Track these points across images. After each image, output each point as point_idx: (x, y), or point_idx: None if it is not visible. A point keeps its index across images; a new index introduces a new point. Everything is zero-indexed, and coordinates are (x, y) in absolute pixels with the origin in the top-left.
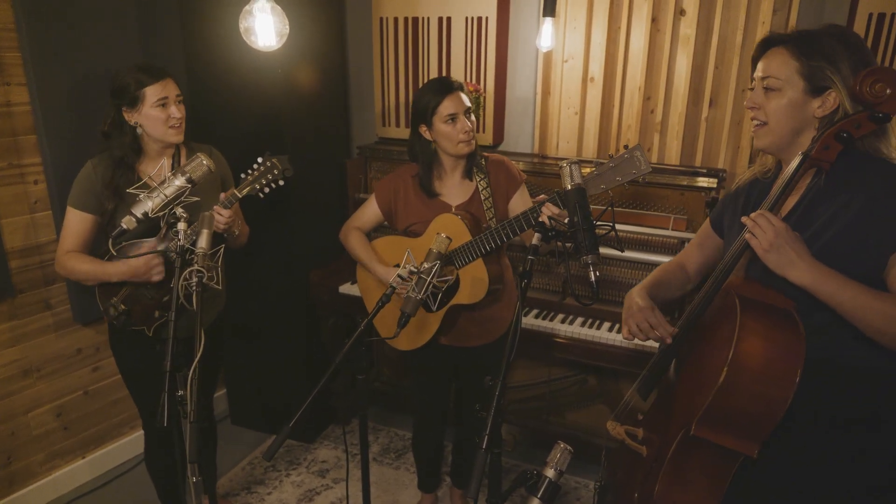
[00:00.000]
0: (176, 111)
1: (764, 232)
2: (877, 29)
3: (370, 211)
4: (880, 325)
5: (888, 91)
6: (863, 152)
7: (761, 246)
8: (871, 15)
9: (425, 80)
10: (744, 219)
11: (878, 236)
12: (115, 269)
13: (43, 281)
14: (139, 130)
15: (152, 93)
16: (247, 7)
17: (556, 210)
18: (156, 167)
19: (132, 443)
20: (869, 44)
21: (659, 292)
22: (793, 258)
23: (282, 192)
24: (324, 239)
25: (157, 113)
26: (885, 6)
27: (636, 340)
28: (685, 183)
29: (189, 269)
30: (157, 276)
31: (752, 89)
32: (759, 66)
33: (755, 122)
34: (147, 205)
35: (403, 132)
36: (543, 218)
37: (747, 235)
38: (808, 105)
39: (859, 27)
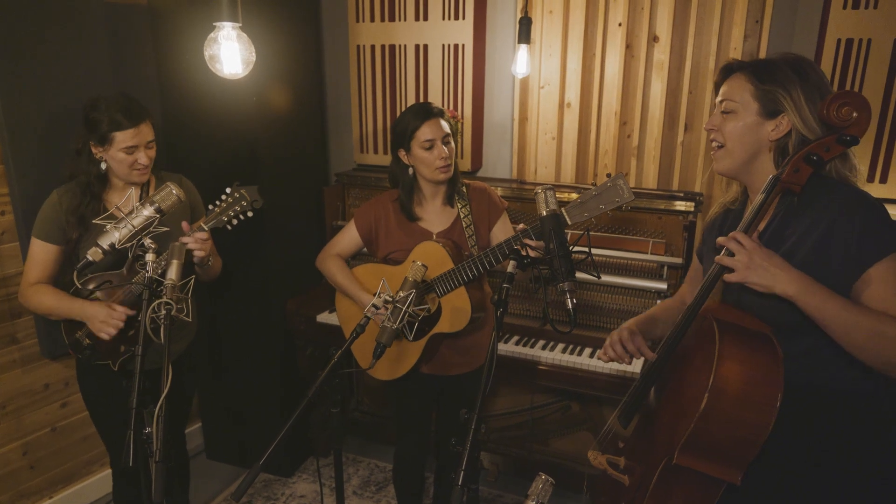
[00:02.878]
0: (143, 157)
1: (737, 255)
2: (845, 55)
3: (349, 237)
4: (864, 340)
5: (855, 114)
6: (829, 176)
7: (738, 270)
8: (839, 41)
9: (403, 107)
10: (719, 240)
11: (841, 258)
12: (77, 310)
13: (9, 314)
14: (103, 166)
15: (122, 139)
16: (211, 35)
17: (533, 244)
18: (123, 196)
19: (101, 481)
20: (837, 70)
21: (654, 327)
22: (774, 272)
23: (257, 219)
24: (301, 267)
25: (123, 157)
26: (854, 32)
27: (613, 364)
28: (663, 207)
29: (157, 302)
30: (105, 334)
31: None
32: (720, 90)
33: (714, 143)
34: (114, 236)
35: (382, 159)
36: (518, 246)
37: (727, 261)
38: (763, 128)
39: (828, 53)
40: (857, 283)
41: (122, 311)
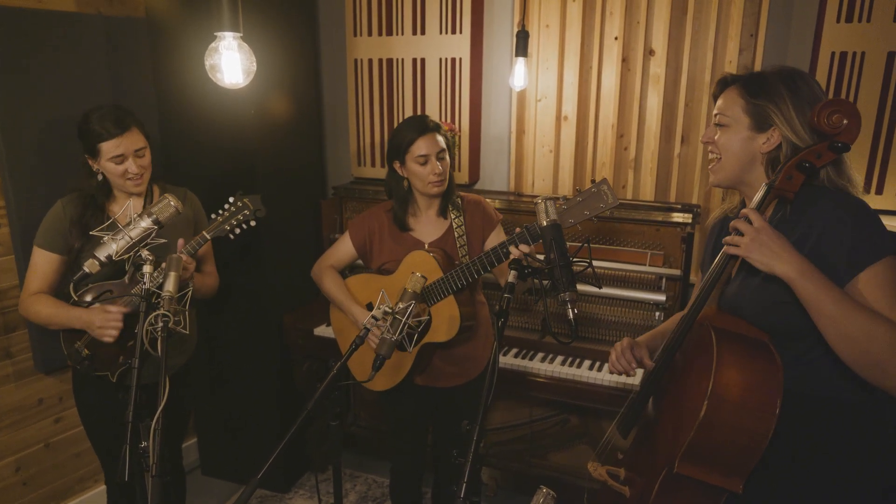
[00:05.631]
0: (133, 167)
1: (745, 232)
2: (839, 68)
3: (344, 249)
4: (855, 334)
5: (845, 121)
6: (821, 185)
7: (742, 245)
8: (833, 53)
9: (400, 121)
10: (731, 223)
11: (833, 264)
12: (76, 316)
13: (3, 328)
14: (100, 177)
15: (108, 149)
16: (212, 44)
17: (525, 249)
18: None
19: (95, 498)
20: (832, 82)
21: (661, 342)
22: (778, 252)
23: (255, 232)
24: (298, 281)
25: (113, 168)
26: (847, 45)
27: (613, 376)
28: (660, 219)
29: (154, 314)
30: (108, 337)
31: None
32: (717, 103)
33: (711, 155)
34: (111, 247)
35: (379, 172)
36: (518, 254)
37: (735, 239)
38: (754, 141)
39: (822, 66)
40: (848, 288)
41: (116, 311)
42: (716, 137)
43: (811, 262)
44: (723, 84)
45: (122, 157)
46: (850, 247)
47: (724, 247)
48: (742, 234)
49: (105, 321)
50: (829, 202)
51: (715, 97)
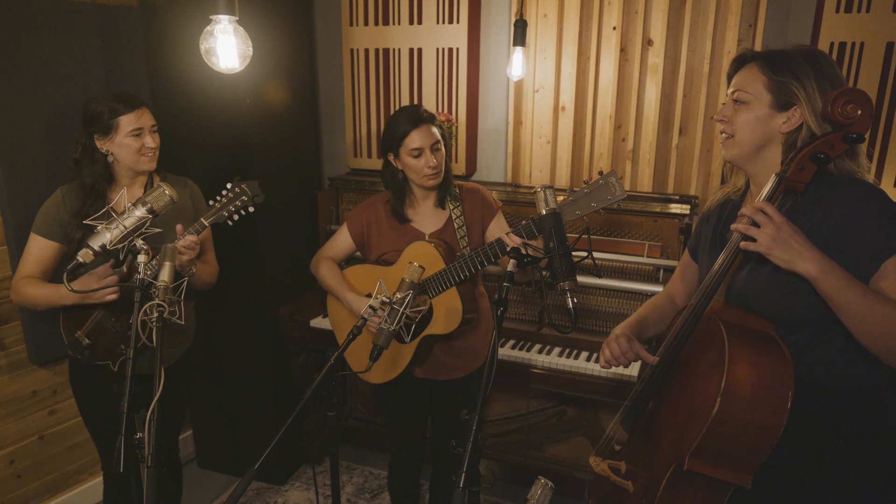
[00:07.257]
0: (150, 141)
1: (764, 227)
2: (839, 58)
3: (342, 240)
4: (878, 327)
5: (859, 112)
6: (833, 173)
7: (763, 241)
8: (832, 44)
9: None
10: (743, 210)
11: (855, 253)
12: (68, 294)
13: None
14: (110, 158)
15: (126, 122)
16: (208, 28)
17: (517, 240)
18: (128, 194)
19: (90, 490)
20: None
21: (645, 328)
22: (800, 249)
23: (250, 223)
24: (294, 272)
25: (131, 142)
26: (847, 35)
27: (614, 369)
28: (658, 210)
29: (149, 304)
30: (110, 295)
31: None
32: (732, 81)
33: (723, 134)
34: (105, 237)
35: (375, 163)
36: (516, 244)
37: (752, 231)
38: (774, 119)
39: None
40: (873, 278)
41: (102, 270)
42: (732, 115)
43: (830, 256)
44: (741, 61)
45: (140, 130)
46: (872, 236)
47: (740, 242)
48: (758, 226)
49: (99, 282)
50: (845, 191)
51: (730, 76)
